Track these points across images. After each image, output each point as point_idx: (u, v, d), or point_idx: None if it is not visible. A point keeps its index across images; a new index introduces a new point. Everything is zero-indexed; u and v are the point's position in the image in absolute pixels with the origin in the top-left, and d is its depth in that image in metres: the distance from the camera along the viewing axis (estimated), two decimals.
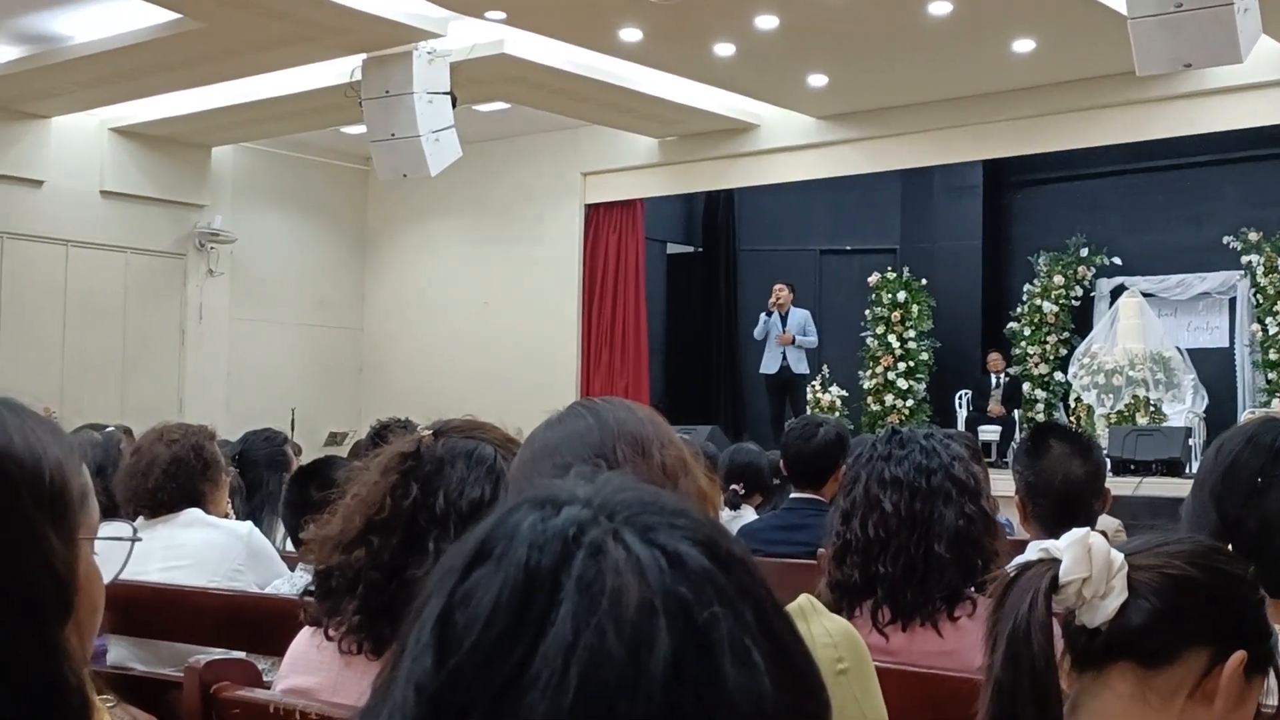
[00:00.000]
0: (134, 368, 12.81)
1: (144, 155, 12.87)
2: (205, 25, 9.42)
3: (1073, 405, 12.51)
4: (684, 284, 15.39)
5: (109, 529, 1.22)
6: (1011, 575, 1.43)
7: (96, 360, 12.47)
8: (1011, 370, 13.20)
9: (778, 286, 13.02)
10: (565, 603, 0.67)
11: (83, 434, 4.70)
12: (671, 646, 0.66)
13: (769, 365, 13.01)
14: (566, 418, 1.62)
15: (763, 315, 13.05)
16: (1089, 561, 1.41)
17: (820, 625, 1.70)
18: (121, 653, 3.47)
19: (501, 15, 9.37)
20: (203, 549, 3.55)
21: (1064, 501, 3.12)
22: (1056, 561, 1.41)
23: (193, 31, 9.57)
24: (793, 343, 12.86)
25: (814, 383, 13.02)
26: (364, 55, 9.94)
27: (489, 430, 2.08)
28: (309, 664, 2.04)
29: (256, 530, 3.74)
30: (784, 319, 12.95)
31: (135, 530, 1.27)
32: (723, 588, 0.69)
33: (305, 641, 2.08)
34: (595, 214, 13.73)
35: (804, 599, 1.71)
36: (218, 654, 2.69)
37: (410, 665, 0.69)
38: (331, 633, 1.98)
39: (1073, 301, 13.38)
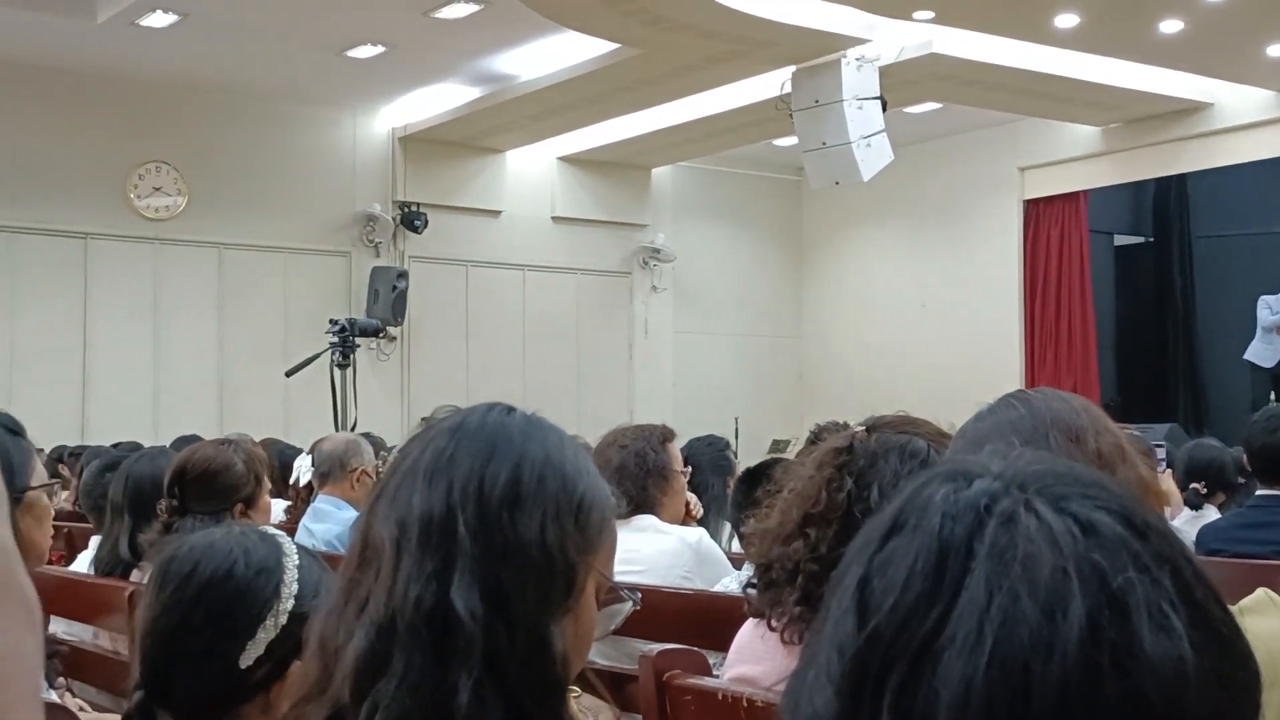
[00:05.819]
0: (587, 382, 13.53)
1: (590, 180, 13.60)
2: (642, 51, 9.86)
3: None
4: (1134, 276, 14.67)
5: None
6: None
7: (553, 376, 13.24)
8: None
9: None
10: (978, 569, 0.69)
11: None
12: (1086, 609, 0.66)
13: (1267, 358, 11.95)
14: (998, 409, 1.62)
15: (1264, 299, 11.90)
16: None
17: None
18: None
19: (929, 15, 9.28)
20: (654, 557, 3.62)
21: None
22: None
23: (631, 59, 10.04)
24: None
25: None
26: (793, 67, 10.09)
27: (921, 425, 2.09)
28: (754, 654, 2.11)
29: (706, 536, 3.77)
30: None
31: (636, 598, 1.48)
32: (1138, 553, 0.69)
33: (749, 632, 2.15)
34: (1035, 209, 13.36)
35: (1262, 592, 1.62)
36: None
37: (833, 629, 0.73)
38: (774, 623, 2.03)
39: None
